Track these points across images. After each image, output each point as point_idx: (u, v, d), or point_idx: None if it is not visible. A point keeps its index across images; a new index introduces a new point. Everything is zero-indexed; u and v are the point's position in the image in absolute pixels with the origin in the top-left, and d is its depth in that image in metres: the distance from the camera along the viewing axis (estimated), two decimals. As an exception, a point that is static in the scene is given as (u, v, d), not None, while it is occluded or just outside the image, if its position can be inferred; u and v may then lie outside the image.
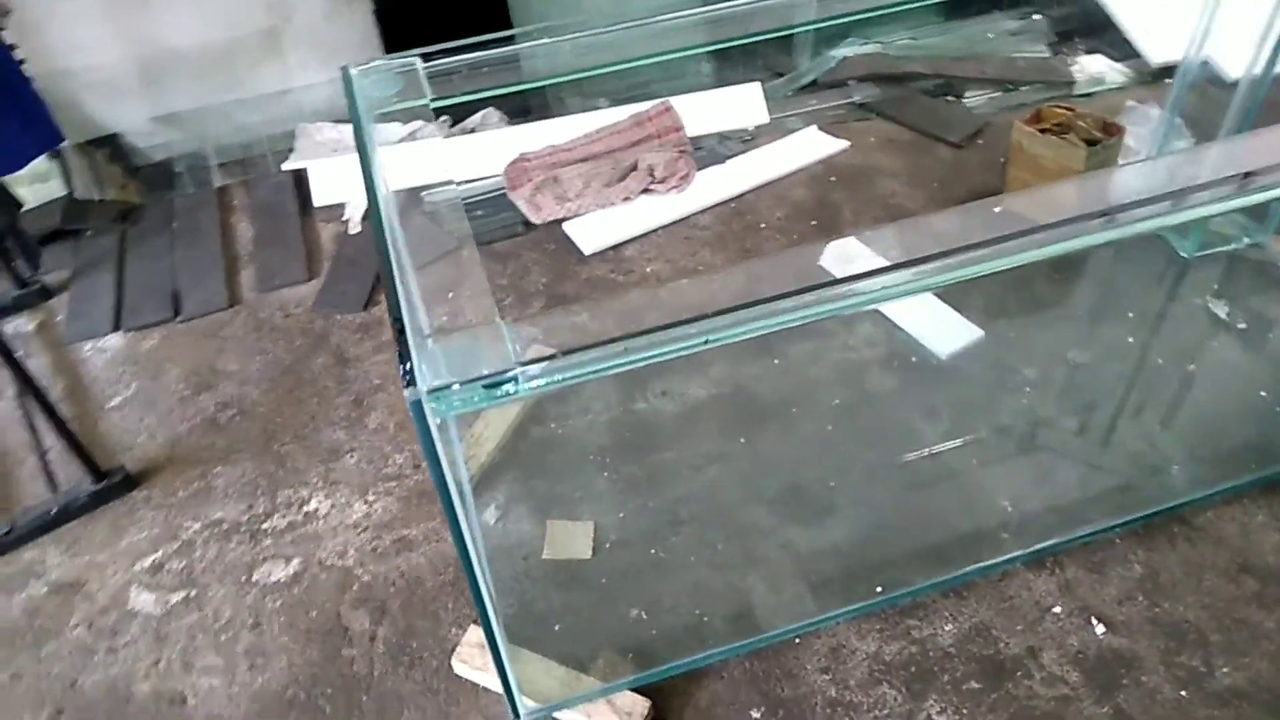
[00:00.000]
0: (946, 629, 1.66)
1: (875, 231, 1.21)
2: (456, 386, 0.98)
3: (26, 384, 1.97)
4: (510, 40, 1.65)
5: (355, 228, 2.80)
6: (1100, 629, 1.64)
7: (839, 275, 1.06)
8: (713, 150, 2.92)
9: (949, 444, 1.94)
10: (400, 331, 1.03)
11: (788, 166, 2.82)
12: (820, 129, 2.96)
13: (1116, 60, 3.18)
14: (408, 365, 0.99)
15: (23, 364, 1.98)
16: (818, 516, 1.85)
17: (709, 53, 3.35)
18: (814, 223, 2.64)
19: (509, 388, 1.01)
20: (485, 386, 0.99)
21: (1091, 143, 2.31)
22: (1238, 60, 2.08)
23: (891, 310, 2.24)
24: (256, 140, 3.20)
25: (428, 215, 2.08)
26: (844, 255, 1.13)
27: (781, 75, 3.27)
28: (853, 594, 1.69)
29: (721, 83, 3.16)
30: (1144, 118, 2.51)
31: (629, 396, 2.13)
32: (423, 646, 1.71)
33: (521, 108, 3.17)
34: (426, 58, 1.56)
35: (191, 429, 2.19)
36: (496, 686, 1.58)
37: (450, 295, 1.34)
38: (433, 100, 1.50)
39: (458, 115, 3.18)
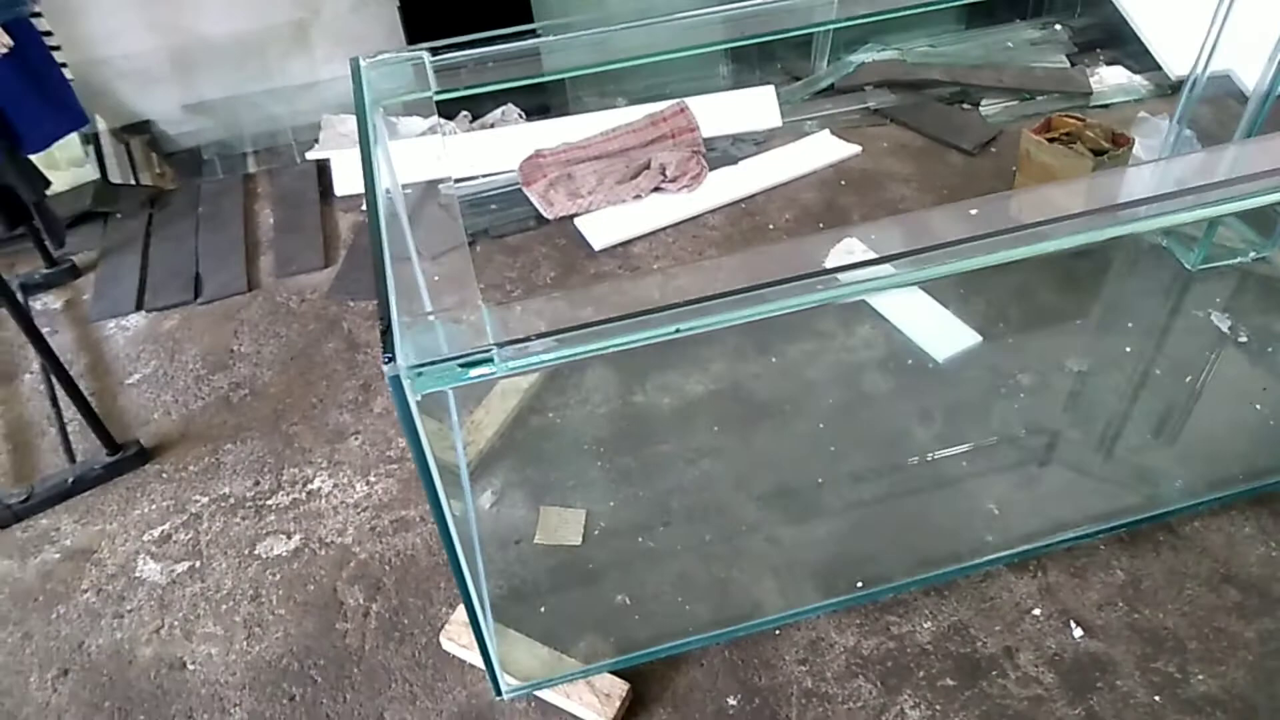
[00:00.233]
0: (925, 626, 1.68)
1: (868, 226, 1.25)
2: (434, 364, 1.03)
3: (50, 359, 2.05)
4: (521, 36, 1.68)
5: (373, 218, 2.87)
6: (1078, 632, 1.65)
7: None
8: (725, 152, 2.95)
9: (939, 446, 1.97)
10: (385, 312, 1.08)
11: (798, 169, 2.84)
12: (833, 133, 2.98)
13: (1136, 72, 3.17)
14: (390, 344, 1.04)
15: (47, 340, 2.06)
16: (805, 512, 1.88)
17: (727, 56, 3.39)
18: (821, 225, 2.67)
19: (486, 368, 1.06)
20: (461, 365, 1.04)
21: (1099, 152, 2.32)
22: (1252, 73, 2.09)
23: (891, 313, 2.27)
24: (282, 130, 3.29)
25: (438, 207, 2.14)
26: (846, 254, 1.17)
27: (799, 79, 3.30)
28: (834, 588, 1.72)
29: (739, 85, 3.19)
30: (1154, 129, 2.52)
31: (627, 390, 2.17)
32: (414, 623, 1.76)
33: (540, 105, 3.22)
34: (435, 51, 1.61)
35: (205, 407, 2.27)
36: (481, 663, 1.62)
37: (436, 279, 1.39)
38: (436, 93, 1.55)
39: (478, 112, 3.25)
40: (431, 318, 1.12)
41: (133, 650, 1.76)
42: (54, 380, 2.08)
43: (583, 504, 1.92)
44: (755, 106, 3.08)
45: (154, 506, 2.03)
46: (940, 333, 2.20)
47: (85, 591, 1.87)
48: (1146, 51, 3.15)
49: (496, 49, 1.63)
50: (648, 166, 2.83)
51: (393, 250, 1.21)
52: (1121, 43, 3.24)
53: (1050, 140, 2.38)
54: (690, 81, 3.16)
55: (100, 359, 2.45)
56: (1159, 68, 3.10)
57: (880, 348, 2.22)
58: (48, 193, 2.27)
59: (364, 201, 3.17)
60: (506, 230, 2.76)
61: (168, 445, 2.17)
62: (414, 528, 1.93)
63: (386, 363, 1.02)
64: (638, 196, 2.77)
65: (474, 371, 1.06)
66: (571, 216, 2.75)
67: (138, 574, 1.90)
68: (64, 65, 2.14)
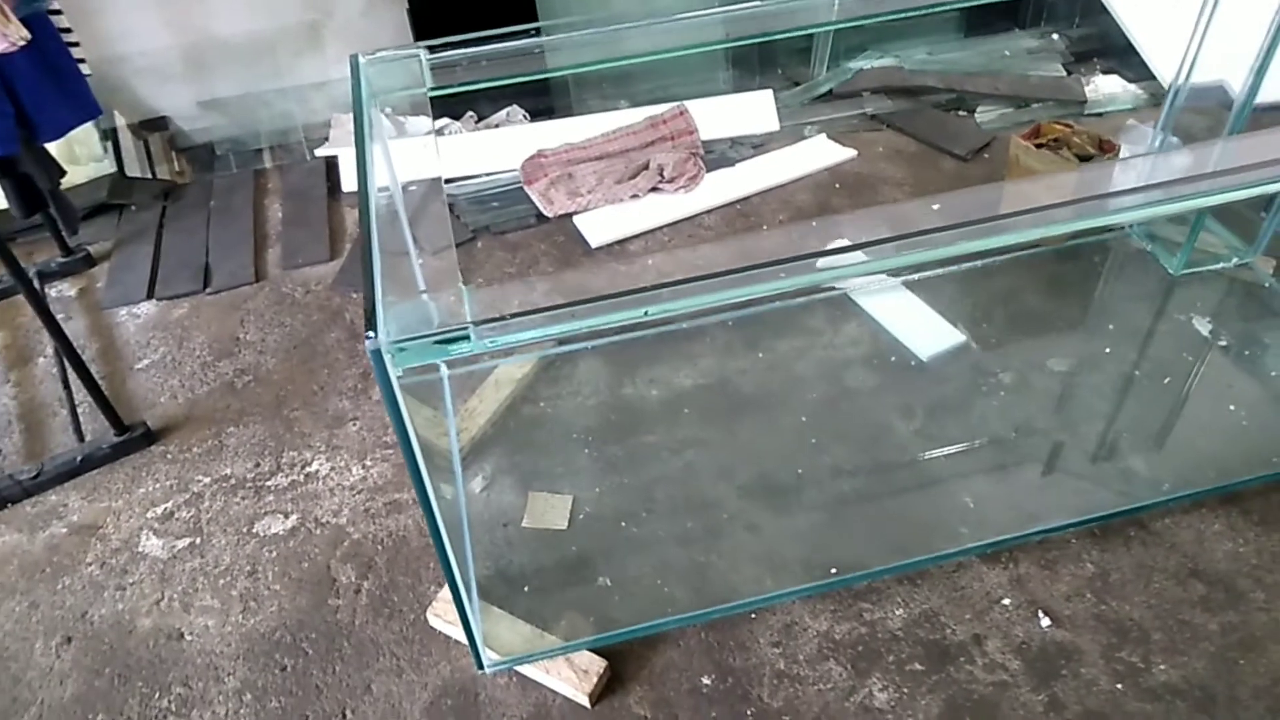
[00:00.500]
0: (897, 613, 1.73)
1: (842, 217, 1.30)
2: (414, 339, 1.10)
3: (63, 343, 2.13)
4: (520, 35, 1.74)
5: (378, 214, 2.95)
6: (1046, 622, 1.70)
7: (842, 284, 1.13)
8: (723, 154, 3.02)
9: (919, 440, 2.02)
10: (370, 290, 1.15)
11: (794, 172, 2.90)
12: (830, 138, 3.04)
13: (1131, 82, 3.21)
14: (374, 320, 1.10)
15: (61, 325, 2.14)
16: (784, 502, 1.93)
17: (728, 61, 3.45)
18: (814, 225, 2.72)
19: (464, 344, 1.12)
20: (437, 342, 1.11)
21: (1085, 158, 2.36)
22: (1238, 82, 2.13)
23: (878, 312, 2.32)
24: (293, 128, 3.38)
25: (434, 203, 2.20)
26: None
27: (799, 85, 3.36)
28: (810, 575, 1.77)
29: (739, 90, 3.25)
30: (1140, 135, 2.56)
31: (617, 383, 2.23)
32: (403, 600, 1.82)
33: (544, 107, 3.29)
34: (433, 49, 1.68)
35: (210, 392, 2.34)
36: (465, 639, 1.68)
37: (431, 271, 1.45)
38: (431, 90, 1.61)
39: (483, 113, 3.32)
40: (415, 299, 1.19)
41: (133, 620, 1.83)
42: (66, 363, 2.16)
43: (570, 490, 1.98)
44: (753, 110, 3.14)
45: (158, 485, 2.10)
46: (925, 331, 2.25)
47: (90, 564, 1.94)
48: (1142, 62, 3.19)
49: (491, 48, 1.70)
50: (646, 167, 2.89)
51: (391, 244, 1.28)
52: (1118, 53, 3.28)
53: (1038, 146, 2.43)
54: (691, 85, 3.23)
55: (111, 344, 2.53)
56: (1153, 77, 3.14)
57: (866, 345, 2.27)
58: (65, 184, 2.36)
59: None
60: (507, 227, 2.83)
61: (173, 427, 2.24)
62: (406, 510, 1.99)
63: (369, 338, 1.09)
64: (635, 196, 2.83)
65: (452, 347, 1.12)
66: (571, 215, 2.82)
67: (140, 549, 1.97)
68: (82, 61, 2.22)
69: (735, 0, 1.85)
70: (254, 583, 1.88)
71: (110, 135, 3.19)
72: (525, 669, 1.67)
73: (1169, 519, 1.84)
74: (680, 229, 2.78)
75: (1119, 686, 1.59)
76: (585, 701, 1.61)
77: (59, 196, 2.23)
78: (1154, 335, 2.27)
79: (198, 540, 1.98)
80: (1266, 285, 2.31)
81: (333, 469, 2.11)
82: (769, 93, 3.17)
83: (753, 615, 1.74)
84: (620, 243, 2.73)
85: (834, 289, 2.40)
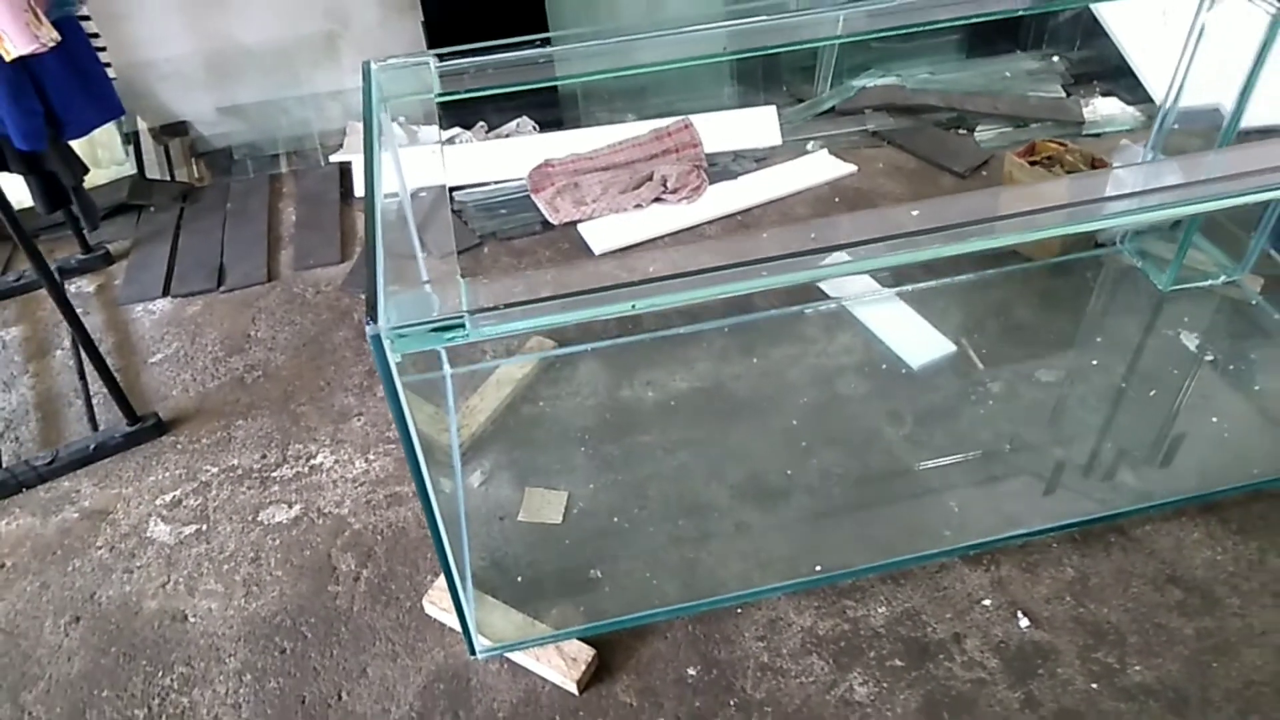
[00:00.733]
0: (880, 611, 1.78)
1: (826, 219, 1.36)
2: (412, 326, 1.16)
3: (81, 335, 2.20)
4: (528, 45, 1.82)
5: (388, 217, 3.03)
6: (1025, 622, 1.74)
7: (838, 295, 1.19)
8: (726, 167, 3.08)
9: (906, 445, 2.06)
10: (372, 280, 1.21)
11: (795, 186, 2.97)
12: (831, 153, 3.11)
13: (1130, 104, 3.27)
14: (374, 308, 1.17)
15: (80, 319, 2.22)
16: (772, 500, 1.98)
17: (733, 77, 3.53)
18: (813, 236, 2.78)
19: (458, 332, 1.19)
20: (434, 329, 1.17)
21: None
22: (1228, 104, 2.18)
23: (871, 322, 2.37)
24: (309, 134, 3.47)
25: (440, 209, 2.28)
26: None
27: (802, 101, 3.43)
28: (796, 572, 1.82)
29: (744, 105, 3.33)
30: (1132, 155, 2.61)
31: (615, 385, 2.29)
32: (400, 589, 1.88)
33: (553, 119, 3.37)
34: (443, 57, 1.76)
35: (220, 386, 2.41)
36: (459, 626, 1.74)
37: (424, 257, 1.52)
38: (438, 95, 1.69)
39: (494, 124, 3.40)
40: (415, 289, 1.25)
41: (139, 602, 1.89)
42: (83, 355, 2.24)
43: (565, 486, 2.03)
44: (757, 125, 3.21)
45: (167, 474, 2.17)
46: (916, 341, 2.30)
47: (99, 548, 2.01)
48: (1140, 84, 3.24)
49: (498, 57, 1.78)
50: (650, 178, 2.96)
51: (398, 247, 1.34)
52: (1117, 76, 3.34)
53: (1032, 163, 2.49)
54: (696, 100, 3.30)
55: (127, 339, 2.61)
56: (1151, 100, 3.19)
57: (858, 353, 2.32)
58: (87, 184, 2.45)
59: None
60: (514, 233, 2.90)
61: (184, 419, 2.32)
62: (406, 502, 2.05)
63: (370, 324, 1.16)
64: (639, 206, 2.90)
65: (448, 335, 1.18)
66: (575, 222, 2.89)
67: (148, 534, 2.03)
68: (108, 65, 2.32)
69: (741, 15, 1.91)
70: (257, 569, 1.94)
71: (132, 139, 3.29)
72: (516, 656, 1.72)
73: (1149, 526, 1.88)
74: (682, 238, 2.84)
75: (1094, 686, 1.63)
76: (573, 688, 1.66)
77: (81, 193, 2.32)
78: (1142, 349, 2.31)
79: (204, 527, 2.04)
80: (1253, 302, 2.35)
81: (336, 462, 2.17)
82: (772, 108, 3.25)
83: (739, 610, 1.79)
84: (623, 250, 2.79)
85: (828, 297, 2.46)
